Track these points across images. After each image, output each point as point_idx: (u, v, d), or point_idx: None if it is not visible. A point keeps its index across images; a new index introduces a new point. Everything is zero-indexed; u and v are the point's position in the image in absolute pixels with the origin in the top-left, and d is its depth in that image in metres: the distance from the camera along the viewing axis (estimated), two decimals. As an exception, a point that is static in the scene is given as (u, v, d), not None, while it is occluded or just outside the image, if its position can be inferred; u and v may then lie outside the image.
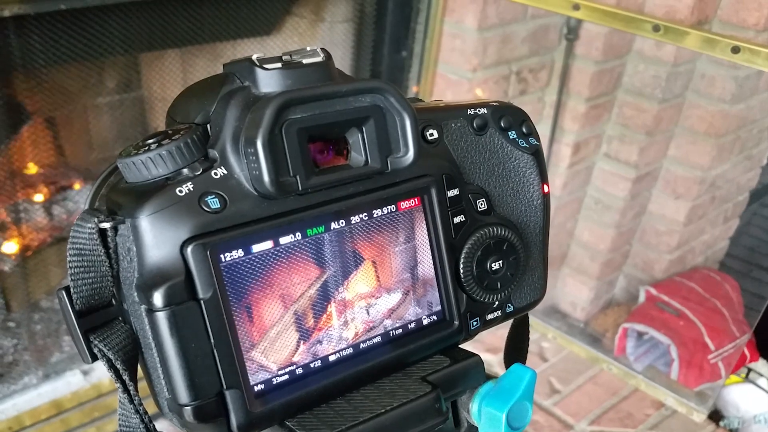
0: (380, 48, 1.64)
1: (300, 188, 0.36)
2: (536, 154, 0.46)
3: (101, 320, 0.36)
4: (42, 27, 1.19)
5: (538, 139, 0.46)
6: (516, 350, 0.54)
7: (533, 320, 1.97)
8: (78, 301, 0.35)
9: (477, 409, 0.43)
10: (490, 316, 0.45)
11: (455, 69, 1.67)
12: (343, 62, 1.63)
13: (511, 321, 0.52)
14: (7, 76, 1.25)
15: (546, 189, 0.47)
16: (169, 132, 0.36)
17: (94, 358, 0.35)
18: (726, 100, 1.88)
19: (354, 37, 1.62)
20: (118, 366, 0.35)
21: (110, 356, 0.35)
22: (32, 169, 1.46)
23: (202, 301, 0.34)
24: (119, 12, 1.27)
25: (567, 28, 1.77)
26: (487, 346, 1.83)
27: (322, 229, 0.38)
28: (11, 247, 1.38)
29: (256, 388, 0.36)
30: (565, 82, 1.83)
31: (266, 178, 0.35)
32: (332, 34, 1.60)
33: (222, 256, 0.35)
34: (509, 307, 0.46)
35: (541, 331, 1.97)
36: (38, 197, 1.46)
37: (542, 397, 1.78)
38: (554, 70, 1.84)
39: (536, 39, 1.75)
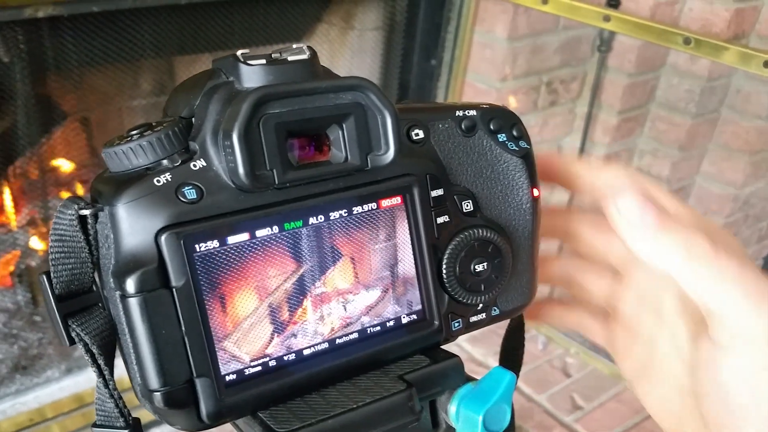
0: (410, 56, 1.65)
1: (277, 182, 0.36)
2: (526, 157, 0.46)
3: (80, 305, 0.37)
4: (75, 28, 1.22)
5: (529, 142, 0.46)
6: (510, 356, 0.53)
7: (557, 335, 1.95)
8: (58, 286, 0.36)
9: (455, 410, 0.43)
10: (473, 319, 0.45)
11: (484, 78, 1.67)
12: (372, 70, 1.64)
13: (507, 328, 0.52)
14: (42, 77, 1.29)
15: (536, 193, 0.46)
16: (153, 124, 0.37)
17: (72, 342, 0.36)
18: (762, 116, 1.85)
19: (384, 45, 1.63)
20: (94, 350, 0.36)
21: (86, 340, 0.36)
22: (65, 168, 1.49)
23: (174, 289, 0.35)
24: (151, 15, 1.29)
25: (599, 39, 1.76)
26: (509, 358, 1.82)
27: (300, 223, 0.38)
28: (40, 243, 1.41)
29: (227, 378, 0.37)
30: (597, 94, 1.82)
31: (241, 170, 0.35)
32: (362, 42, 1.61)
33: (196, 246, 0.35)
34: (495, 310, 0.46)
35: (564, 346, 1.95)
36: (69, 195, 1.49)
37: (564, 414, 1.76)
38: (586, 82, 1.83)
39: (568, 50, 1.74)
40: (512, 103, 1.69)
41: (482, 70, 1.66)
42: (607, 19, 1.43)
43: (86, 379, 1.46)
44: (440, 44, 1.62)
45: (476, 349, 1.88)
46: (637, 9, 1.62)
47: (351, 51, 1.59)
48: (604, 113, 1.84)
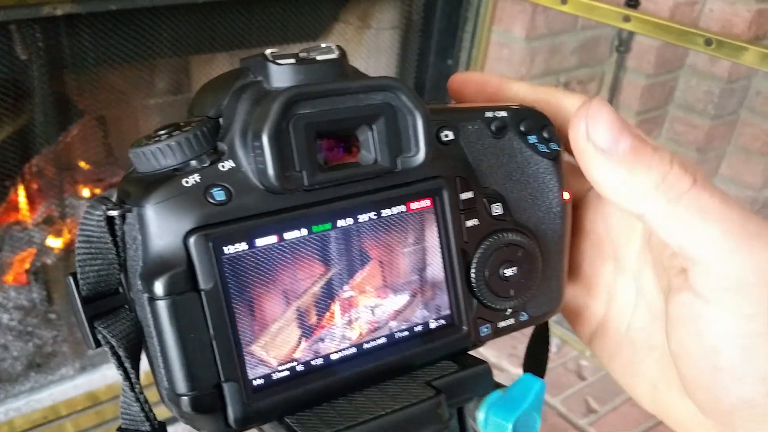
0: (426, 56, 1.64)
1: (306, 184, 0.36)
2: (557, 159, 0.45)
3: (107, 307, 0.36)
4: (92, 26, 1.22)
5: (559, 144, 0.45)
6: (535, 361, 0.52)
7: (572, 338, 1.94)
8: (84, 287, 0.35)
9: (484, 417, 0.42)
10: (502, 324, 0.44)
11: (501, 79, 1.66)
12: (388, 69, 1.63)
13: (532, 332, 0.51)
14: (59, 75, 1.29)
15: (566, 196, 0.46)
16: (181, 124, 0.37)
17: (98, 344, 0.36)
18: (781, 119, 1.83)
19: (400, 44, 1.62)
20: (120, 353, 0.35)
21: (113, 343, 0.35)
22: (81, 166, 1.49)
23: (202, 292, 0.34)
24: (168, 14, 1.29)
25: (618, 40, 1.75)
26: (524, 360, 1.81)
27: (328, 226, 0.37)
28: (56, 241, 1.41)
29: (254, 383, 0.36)
30: (615, 95, 1.81)
31: (271, 172, 0.35)
32: (378, 41, 1.61)
33: (225, 248, 0.35)
34: (523, 315, 0.45)
35: (579, 349, 1.93)
36: (85, 193, 1.49)
37: (578, 416, 1.75)
38: (604, 83, 1.82)
39: (586, 50, 1.73)
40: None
41: (499, 70, 1.65)
42: (627, 19, 1.42)
43: (100, 377, 1.46)
44: (457, 44, 1.61)
45: (490, 351, 1.87)
46: (656, 9, 1.61)
47: (367, 50, 1.58)
48: (622, 114, 1.82)
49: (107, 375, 1.46)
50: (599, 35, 1.73)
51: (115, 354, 0.36)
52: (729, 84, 1.81)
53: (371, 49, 1.59)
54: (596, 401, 1.79)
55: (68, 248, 1.42)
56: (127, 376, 0.36)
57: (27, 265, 1.39)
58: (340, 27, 1.55)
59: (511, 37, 1.59)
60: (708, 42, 1.35)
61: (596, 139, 0.36)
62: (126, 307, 0.37)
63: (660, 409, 0.42)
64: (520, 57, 1.60)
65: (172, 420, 0.40)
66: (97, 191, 1.51)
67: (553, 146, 0.45)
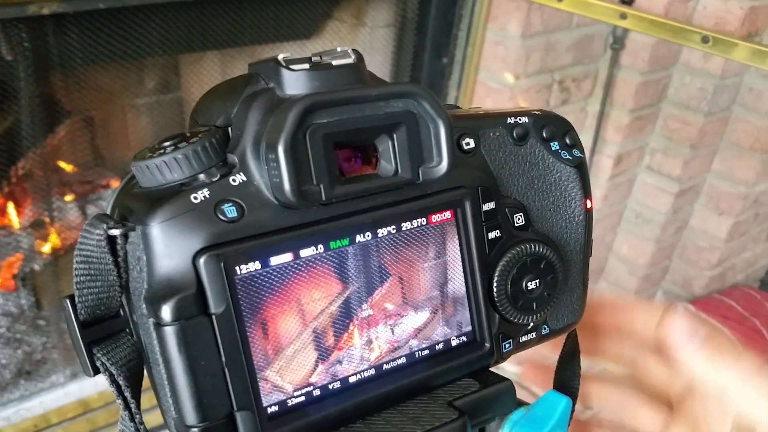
0: (421, 54, 1.61)
1: (324, 198, 0.34)
2: (580, 166, 0.43)
3: (106, 332, 0.34)
4: (80, 26, 1.19)
5: (582, 151, 0.43)
6: (568, 376, 0.50)
7: (568, 335, 1.93)
8: (83, 311, 0.33)
9: (507, 438, 0.40)
10: (524, 338, 0.42)
11: (497, 76, 1.64)
12: (382, 68, 1.61)
13: (561, 354, 0.50)
14: (45, 75, 1.25)
15: (589, 204, 0.44)
16: (187, 134, 0.34)
17: (96, 372, 0.33)
18: (775, 115, 1.82)
19: (395, 42, 1.60)
20: (120, 382, 0.33)
21: (113, 371, 0.33)
22: (68, 167, 1.46)
23: (213, 316, 0.32)
24: (158, 12, 1.26)
25: (613, 37, 1.73)
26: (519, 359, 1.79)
27: (346, 242, 0.35)
28: (43, 245, 1.38)
29: (269, 410, 0.34)
30: (609, 93, 1.79)
31: (287, 186, 0.32)
32: (373, 39, 1.58)
33: (237, 268, 0.32)
34: (545, 329, 0.43)
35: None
36: (72, 196, 1.46)
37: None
38: (598, 80, 1.80)
39: (581, 48, 1.71)
40: (522, 104, 1.66)
41: (495, 68, 1.63)
42: (623, 16, 1.40)
43: (92, 384, 1.43)
44: (452, 42, 1.59)
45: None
46: (650, 6, 1.59)
47: (362, 48, 1.55)
48: (616, 111, 1.81)
49: (99, 382, 1.43)
50: (594, 32, 1.71)
51: (114, 382, 0.33)
52: (722, 81, 1.80)
53: (366, 47, 1.56)
54: (592, 401, 1.78)
55: (56, 253, 1.39)
56: (126, 405, 0.34)
57: (15, 271, 1.36)
58: (334, 25, 1.52)
59: (506, 35, 1.57)
60: (705, 39, 1.34)
61: (680, 333, 0.44)
62: (127, 330, 0.35)
63: None
64: (516, 55, 1.58)
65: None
66: (85, 193, 1.47)
67: (576, 153, 0.43)
